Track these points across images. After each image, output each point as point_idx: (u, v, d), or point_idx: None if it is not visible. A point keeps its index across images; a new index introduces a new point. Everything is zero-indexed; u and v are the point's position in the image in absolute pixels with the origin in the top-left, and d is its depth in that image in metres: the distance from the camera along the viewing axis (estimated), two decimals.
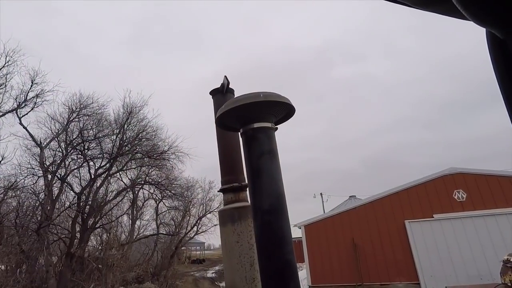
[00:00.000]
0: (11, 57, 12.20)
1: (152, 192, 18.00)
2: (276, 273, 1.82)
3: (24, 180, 12.71)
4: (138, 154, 15.41)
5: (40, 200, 12.66)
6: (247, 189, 2.10)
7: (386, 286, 11.10)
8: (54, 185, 13.40)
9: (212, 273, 24.13)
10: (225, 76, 2.51)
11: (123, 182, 16.51)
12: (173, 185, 17.60)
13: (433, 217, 11.16)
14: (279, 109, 1.79)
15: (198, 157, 22.90)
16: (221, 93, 2.58)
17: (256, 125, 1.72)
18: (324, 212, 25.25)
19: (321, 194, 30.93)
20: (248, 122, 1.73)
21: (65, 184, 13.68)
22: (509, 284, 6.55)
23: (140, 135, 15.11)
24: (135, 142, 15.09)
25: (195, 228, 21.39)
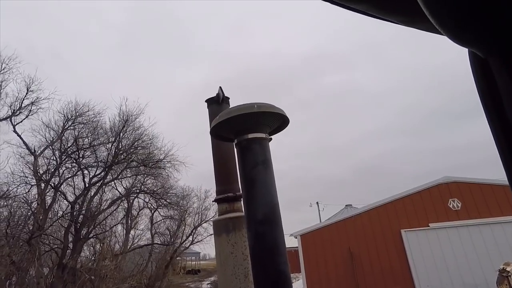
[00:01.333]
0: (7, 64, 12.19)
1: (147, 201, 17.82)
2: (270, 284, 1.80)
3: (17, 188, 12.54)
4: (134, 163, 15.32)
5: (33, 209, 12.45)
6: (242, 199, 2.10)
7: None
8: (47, 194, 13.23)
9: (208, 284, 23.74)
10: (220, 87, 2.54)
11: (118, 191, 16.35)
12: (169, 194, 17.46)
13: (428, 226, 11.17)
14: (273, 120, 1.81)
15: (194, 165, 22.82)
16: (217, 102, 2.60)
17: (250, 135, 1.74)
18: (320, 221, 25.14)
19: (317, 203, 30.88)
20: (242, 132, 1.75)
21: (59, 193, 13.51)
22: None
23: (135, 143, 15.06)
24: (131, 150, 15.02)
25: (190, 238, 21.14)
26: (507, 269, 6.52)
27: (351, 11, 0.72)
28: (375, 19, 0.73)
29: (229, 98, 2.69)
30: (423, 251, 10.96)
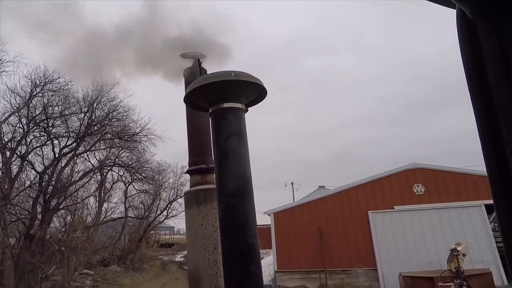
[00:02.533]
0: None
1: (121, 174, 17.43)
2: (238, 256, 1.84)
3: None
4: (108, 135, 14.76)
5: None
6: (214, 170, 2.09)
7: (347, 271, 11.76)
8: (13, 163, 12.53)
9: (181, 257, 24.14)
10: (198, 59, 2.44)
11: (91, 163, 15.81)
12: (144, 168, 17.16)
13: (393, 209, 11.88)
14: (250, 90, 1.77)
15: (171, 141, 22.40)
16: (194, 71, 2.51)
17: (225, 105, 1.70)
18: (294, 201, 25.92)
19: (292, 183, 31.68)
20: (218, 101, 1.71)
21: (26, 162, 12.83)
22: (454, 270, 7.20)
23: (110, 115, 14.44)
24: (105, 122, 14.41)
25: (165, 213, 21.14)
26: (457, 249, 7.14)
27: None
28: None
29: (206, 70, 2.61)
30: (387, 231, 11.70)
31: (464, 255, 7.06)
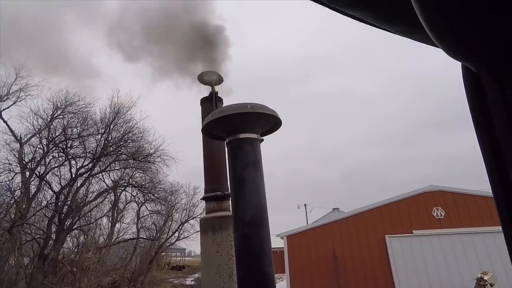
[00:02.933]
0: None
1: (134, 194, 17.61)
2: (254, 285, 1.81)
3: (0, 175, 12.20)
4: (123, 155, 15.11)
5: (15, 197, 12.15)
6: (230, 199, 2.10)
7: None
8: (32, 182, 12.93)
9: (192, 280, 23.63)
10: (213, 86, 2.53)
11: (105, 183, 16.10)
12: (157, 189, 17.30)
13: (412, 233, 11.38)
14: (266, 121, 1.82)
15: (184, 162, 22.65)
16: (210, 101, 2.59)
17: (242, 135, 1.74)
18: (307, 223, 25.33)
19: (305, 205, 31.09)
20: (234, 132, 1.75)
21: (44, 182, 13.21)
22: None
23: (126, 136, 14.86)
24: (121, 143, 14.81)
25: (176, 234, 20.98)
26: (484, 278, 6.71)
27: (348, 17, 0.72)
28: (373, 27, 0.74)
29: (222, 99, 2.69)
30: (406, 257, 11.16)
31: (492, 285, 6.62)
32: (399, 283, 10.90)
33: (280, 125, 1.92)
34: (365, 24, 0.73)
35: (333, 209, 26.74)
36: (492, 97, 0.53)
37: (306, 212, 30.65)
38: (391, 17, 0.67)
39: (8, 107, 12.69)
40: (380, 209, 12.04)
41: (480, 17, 0.48)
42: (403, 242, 11.36)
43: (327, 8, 0.71)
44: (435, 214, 11.43)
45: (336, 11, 0.70)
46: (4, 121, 12.61)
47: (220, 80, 2.76)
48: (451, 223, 11.14)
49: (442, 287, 10.44)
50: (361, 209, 12.40)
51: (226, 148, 1.88)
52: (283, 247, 12.63)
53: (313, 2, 0.71)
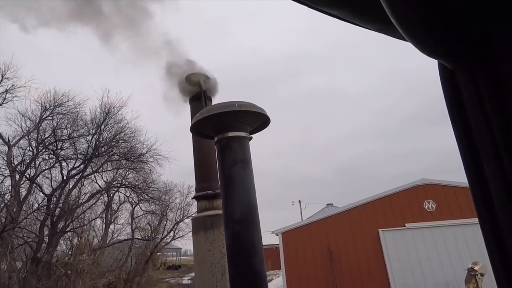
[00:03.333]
0: None
1: (128, 195, 17.45)
2: (246, 283, 1.81)
3: None
4: (115, 156, 14.95)
5: (5, 201, 11.93)
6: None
7: None
8: (22, 185, 12.70)
9: (188, 279, 23.61)
10: (201, 85, 2.51)
11: (98, 184, 15.92)
12: (151, 189, 17.18)
13: (405, 226, 11.57)
14: (254, 119, 1.82)
15: (178, 161, 22.52)
16: (199, 100, 2.58)
17: (230, 134, 1.74)
18: (302, 219, 25.48)
19: (299, 201, 31.25)
20: (223, 130, 1.75)
21: (34, 185, 13.00)
22: None
23: (117, 136, 14.69)
24: (112, 143, 14.64)
25: (171, 233, 20.90)
26: (475, 268, 6.86)
27: (326, 15, 0.73)
28: (353, 25, 0.75)
29: (211, 98, 2.67)
30: (399, 250, 11.34)
31: (482, 274, 6.78)
32: (393, 275, 11.08)
33: (269, 123, 1.92)
34: (347, 23, 0.73)
35: (327, 204, 26.95)
36: (467, 94, 0.54)
37: (301, 208, 30.84)
38: (368, 16, 0.68)
39: None
40: (373, 204, 12.19)
41: (451, 17, 0.49)
42: (396, 235, 11.54)
43: (309, 8, 0.72)
44: (426, 207, 11.63)
45: (317, 10, 0.71)
46: None
47: (206, 80, 2.75)
48: (442, 215, 11.34)
49: (434, 278, 10.65)
50: (354, 204, 12.53)
51: (215, 147, 1.88)
52: (278, 244, 12.70)
53: (295, 2, 0.71)
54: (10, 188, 12.19)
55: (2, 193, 12.09)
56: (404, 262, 11.15)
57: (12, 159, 12.38)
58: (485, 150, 0.52)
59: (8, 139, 12.57)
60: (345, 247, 11.89)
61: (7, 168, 12.25)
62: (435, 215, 11.45)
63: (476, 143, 0.54)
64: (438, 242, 11.03)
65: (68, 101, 13.62)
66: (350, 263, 11.66)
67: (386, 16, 0.55)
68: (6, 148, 12.49)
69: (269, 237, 15.93)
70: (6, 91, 12.35)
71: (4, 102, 12.48)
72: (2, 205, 12.00)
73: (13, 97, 12.56)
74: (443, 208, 11.41)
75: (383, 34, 0.72)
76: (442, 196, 11.56)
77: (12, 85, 12.39)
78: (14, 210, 11.71)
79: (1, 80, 12.15)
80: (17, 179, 12.34)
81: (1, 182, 12.24)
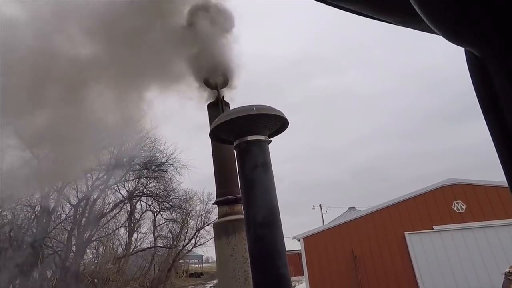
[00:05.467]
0: None
1: (150, 204, 17.86)
2: (270, 287, 1.79)
3: (20, 192, 12.60)
4: (136, 166, 15.39)
5: (36, 212, 12.53)
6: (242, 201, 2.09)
7: None
8: (51, 197, 13.30)
9: (210, 286, 23.66)
10: (219, 90, 2.54)
11: (121, 194, 16.41)
12: (171, 197, 17.50)
13: (433, 229, 11.06)
14: (273, 122, 1.81)
15: (197, 168, 22.84)
16: (216, 106, 2.61)
17: (249, 138, 1.74)
18: (323, 224, 25.01)
19: (320, 205, 30.73)
20: (242, 135, 1.75)
21: (62, 196, 13.58)
22: None
23: (138, 146, 15.12)
24: (133, 153, 15.08)
25: (193, 241, 21.10)
26: None
27: (344, 11, 0.71)
28: (371, 19, 0.73)
29: (229, 103, 2.70)
30: (427, 254, 10.84)
31: None
32: (422, 281, 10.59)
33: (287, 125, 1.91)
34: (361, 16, 0.72)
35: (349, 208, 26.33)
36: (499, 81, 0.51)
37: (322, 213, 30.30)
38: (387, 8, 0.66)
39: None
40: (397, 206, 11.77)
41: (480, 2, 0.47)
42: (423, 238, 11.05)
43: (323, 4, 0.71)
44: (455, 208, 11.08)
45: (332, 5, 0.69)
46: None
47: (225, 83, 2.77)
48: (473, 217, 10.76)
49: (468, 283, 10.08)
50: (377, 206, 12.16)
51: (234, 151, 1.88)
52: (300, 250, 12.50)
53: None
54: (39, 200, 12.81)
55: (33, 204, 12.71)
56: (433, 266, 10.64)
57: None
58: None
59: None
60: (369, 251, 11.52)
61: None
62: (465, 216, 10.88)
63: (511, 134, 0.50)
64: (470, 245, 10.45)
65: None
66: (375, 268, 11.27)
67: (409, 7, 0.53)
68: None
69: (290, 243, 15.74)
70: None
71: None
72: (33, 216, 12.60)
73: None
74: (474, 209, 10.82)
75: (404, 27, 0.70)
76: (472, 196, 10.98)
77: None
78: (44, 220, 12.26)
79: None
80: (46, 191, 12.94)
81: (31, 194, 12.87)
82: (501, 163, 0.54)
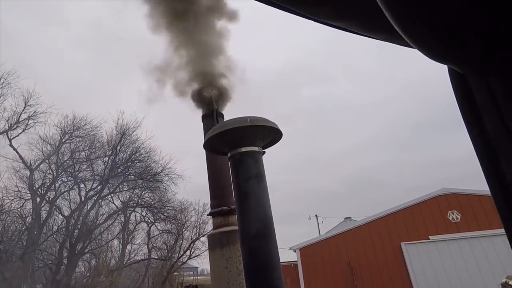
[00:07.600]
0: (5, 79, 12.27)
1: (144, 215, 17.58)
2: None
3: (11, 203, 12.36)
4: (131, 176, 15.21)
5: (27, 224, 12.25)
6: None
7: None
8: (42, 208, 13.04)
9: None
10: (213, 101, 2.56)
11: (115, 205, 16.15)
12: (166, 208, 17.26)
13: (429, 239, 11.04)
14: (266, 134, 1.82)
15: (192, 178, 22.66)
16: (211, 117, 2.62)
17: (243, 149, 1.74)
18: (319, 234, 24.82)
19: (316, 216, 30.54)
20: (236, 146, 1.75)
21: (54, 207, 13.32)
22: None
23: (133, 156, 15.00)
24: (128, 163, 14.95)
25: (188, 252, 20.70)
26: (509, 283, 6.42)
27: (332, 28, 0.73)
28: (357, 35, 0.75)
29: (223, 114, 2.71)
30: (424, 263, 10.78)
31: None
32: None
33: (281, 136, 1.92)
34: (353, 34, 0.74)
35: (345, 218, 26.20)
36: (480, 97, 0.54)
37: (318, 223, 30.09)
38: (374, 25, 0.68)
39: (18, 135, 13.00)
40: (393, 216, 11.77)
41: (458, 23, 0.49)
42: (420, 248, 11.02)
43: (311, 21, 0.73)
44: (450, 218, 11.10)
45: (322, 23, 0.72)
46: (14, 149, 12.89)
47: (220, 95, 2.79)
48: (468, 227, 10.78)
49: None
50: (373, 216, 12.14)
51: (228, 163, 1.88)
52: (296, 261, 12.36)
53: (298, 16, 0.72)
54: (31, 211, 12.54)
55: (24, 216, 12.44)
56: (430, 276, 10.57)
57: (33, 182, 12.80)
58: (504, 152, 0.50)
59: (30, 163, 13.06)
60: (366, 261, 11.43)
61: (28, 192, 12.65)
62: (460, 226, 10.90)
63: (493, 145, 0.52)
64: (466, 255, 10.43)
65: (85, 124, 14.14)
66: (372, 279, 11.16)
67: (391, 25, 0.55)
68: (27, 172, 12.95)
69: (286, 254, 15.53)
70: (29, 117, 12.96)
71: (27, 128, 13.08)
72: (23, 228, 12.31)
73: (35, 122, 13.16)
74: (469, 219, 10.85)
75: (388, 43, 0.72)
76: (467, 206, 11.02)
77: (34, 112, 13.00)
78: (35, 232, 11.98)
79: (25, 107, 12.79)
80: (37, 202, 12.70)
81: (23, 205, 12.62)
82: (483, 172, 0.56)
